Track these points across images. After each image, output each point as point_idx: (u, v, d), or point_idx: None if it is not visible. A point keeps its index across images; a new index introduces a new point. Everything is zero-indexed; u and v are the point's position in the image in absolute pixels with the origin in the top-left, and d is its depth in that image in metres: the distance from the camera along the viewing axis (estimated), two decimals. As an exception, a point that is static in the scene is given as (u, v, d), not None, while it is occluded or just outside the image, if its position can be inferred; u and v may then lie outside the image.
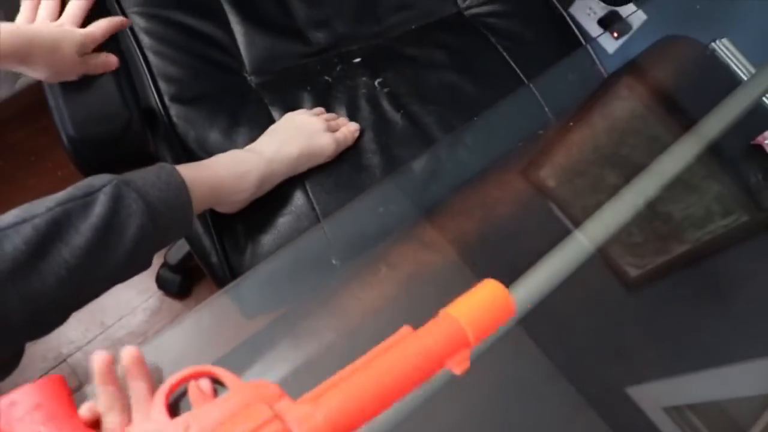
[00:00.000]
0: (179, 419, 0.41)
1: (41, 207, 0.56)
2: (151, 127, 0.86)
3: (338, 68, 0.95)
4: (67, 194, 0.58)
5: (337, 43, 0.99)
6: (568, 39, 1.10)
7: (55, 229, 0.55)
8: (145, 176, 0.63)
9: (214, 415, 0.41)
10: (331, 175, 0.85)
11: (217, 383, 0.47)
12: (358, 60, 0.97)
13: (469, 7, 1.08)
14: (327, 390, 0.43)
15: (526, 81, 0.99)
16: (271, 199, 0.82)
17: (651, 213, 0.78)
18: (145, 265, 0.64)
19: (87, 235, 0.56)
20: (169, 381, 0.45)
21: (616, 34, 1.27)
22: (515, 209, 0.77)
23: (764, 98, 0.83)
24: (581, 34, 1.17)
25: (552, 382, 0.66)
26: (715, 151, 0.84)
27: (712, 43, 0.90)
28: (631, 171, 0.76)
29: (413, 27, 1.04)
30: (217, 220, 0.83)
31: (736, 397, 0.72)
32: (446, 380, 0.50)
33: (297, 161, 0.82)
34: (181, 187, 0.65)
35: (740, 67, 0.87)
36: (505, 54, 1.02)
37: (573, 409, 0.66)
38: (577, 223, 0.72)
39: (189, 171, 0.68)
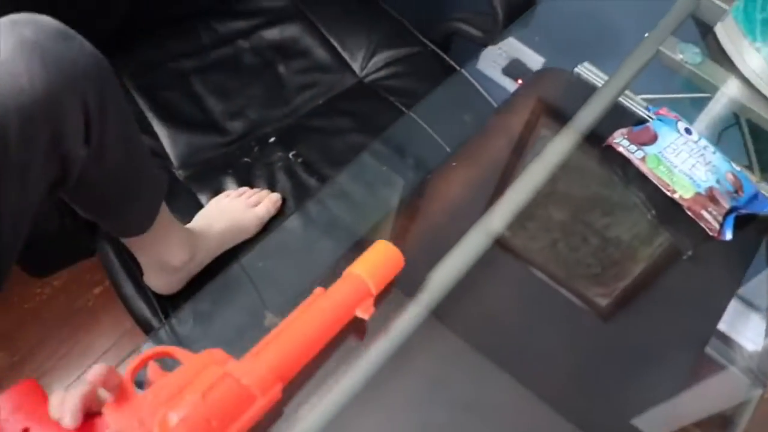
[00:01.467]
0: (147, 392, 0.48)
1: None
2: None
3: (255, 149, 1.06)
4: None
5: (252, 128, 1.10)
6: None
7: None
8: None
9: (174, 382, 0.48)
10: (259, 243, 0.94)
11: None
12: (273, 140, 1.08)
13: (367, 75, 1.20)
14: (264, 347, 0.53)
15: (428, 129, 1.10)
16: (209, 275, 0.91)
17: (602, 241, 0.82)
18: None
19: None
20: (133, 363, 0.50)
21: (520, 80, 1.40)
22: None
23: (620, 99, 0.95)
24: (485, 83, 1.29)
25: (555, 426, 0.67)
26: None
27: (575, 68, 1.02)
28: (571, 202, 0.84)
29: (320, 102, 1.16)
30: (163, 302, 0.91)
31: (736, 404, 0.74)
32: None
33: (223, 237, 0.92)
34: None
35: (599, 81, 0.99)
36: (403, 109, 1.13)
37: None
38: (543, 270, 0.77)
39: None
